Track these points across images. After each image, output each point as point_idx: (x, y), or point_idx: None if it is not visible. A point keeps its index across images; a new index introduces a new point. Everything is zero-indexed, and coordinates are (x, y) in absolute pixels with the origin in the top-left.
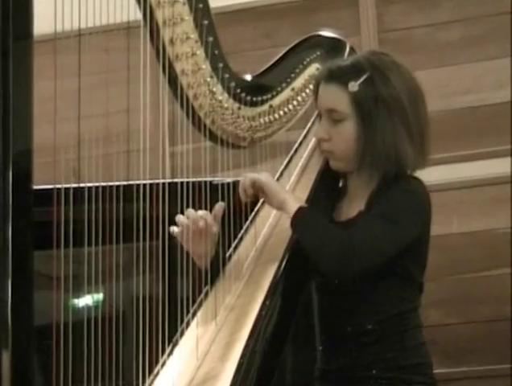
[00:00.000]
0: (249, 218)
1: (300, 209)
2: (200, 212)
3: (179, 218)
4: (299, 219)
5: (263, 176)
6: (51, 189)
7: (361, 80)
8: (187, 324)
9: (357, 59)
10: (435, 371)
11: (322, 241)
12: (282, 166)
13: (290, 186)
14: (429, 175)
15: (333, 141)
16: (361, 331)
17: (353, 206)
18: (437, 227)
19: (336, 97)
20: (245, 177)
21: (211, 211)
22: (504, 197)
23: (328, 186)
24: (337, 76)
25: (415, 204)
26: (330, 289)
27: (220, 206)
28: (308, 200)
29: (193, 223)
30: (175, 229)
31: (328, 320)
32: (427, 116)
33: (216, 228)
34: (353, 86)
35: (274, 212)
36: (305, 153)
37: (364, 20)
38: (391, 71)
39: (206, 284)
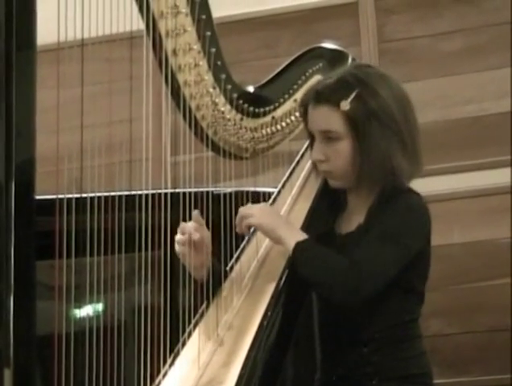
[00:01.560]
0: (252, 228)
1: (298, 245)
2: (190, 224)
3: (177, 237)
4: (298, 256)
5: (254, 218)
6: (54, 199)
7: (351, 97)
8: (189, 334)
9: (343, 76)
10: (436, 381)
11: (327, 274)
12: (285, 177)
13: (292, 198)
14: (430, 185)
15: (331, 161)
16: (361, 341)
17: (352, 219)
18: (438, 237)
19: (330, 118)
20: (239, 214)
21: (212, 220)
22: (506, 207)
23: (330, 197)
24: (326, 97)
25: (416, 220)
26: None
27: (195, 214)
28: (310, 212)
29: (188, 236)
30: (178, 249)
31: (328, 330)
32: (416, 123)
33: (207, 237)
34: (345, 105)
35: None
36: (307, 163)
37: (364, 30)
38: (378, 83)
39: (207, 295)
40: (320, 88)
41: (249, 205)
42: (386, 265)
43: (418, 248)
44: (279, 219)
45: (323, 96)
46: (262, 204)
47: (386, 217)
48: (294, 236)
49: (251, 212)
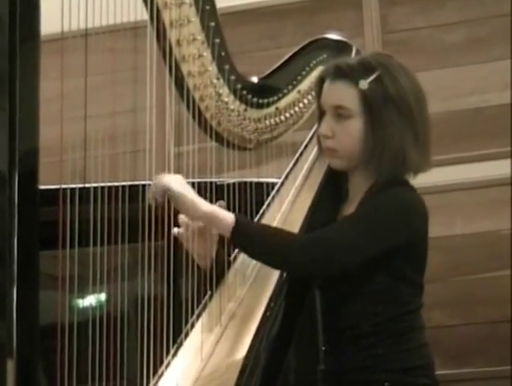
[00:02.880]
0: (255, 218)
1: (238, 222)
2: None
3: (181, 218)
4: (238, 232)
5: (175, 184)
6: (57, 189)
7: (371, 78)
8: (192, 325)
9: (365, 57)
10: (438, 372)
11: (266, 248)
12: (288, 168)
13: (295, 189)
14: (433, 177)
15: (337, 138)
16: (360, 334)
17: (351, 210)
18: (441, 228)
19: (345, 94)
20: (157, 181)
21: None
22: (508, 198)
23: (333, 188)
24: (346, 73)
25: (396, 214)
26: (329, 291)
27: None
28: (313, 203)
29: (193, 222)
30: (176, 231)
31: (329, 322)
32: (429, 118)
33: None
34: (364, 84)
35: (279, 214)
36: (311, 155)
37: (367, 21)
38: (398, 72)
39: (210, 285)
40: (341, 64)
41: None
42: (356, 243)
43: (399, 239)
44: (190, 189)
45: (342, 72)
46: (175, 176)
47: (369, 202)
48: (224, 213)
49: (163, 178)
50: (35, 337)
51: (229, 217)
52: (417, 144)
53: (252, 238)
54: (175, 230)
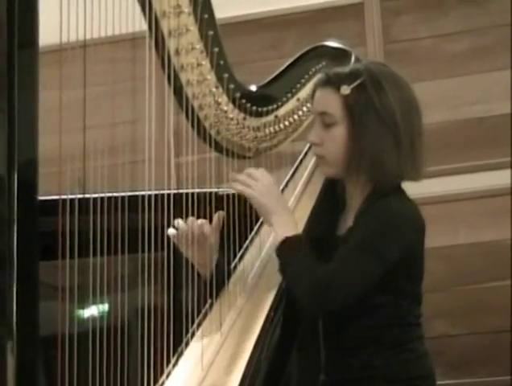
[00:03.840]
0: (255, 228)
1: (284, 242)
2: (199, 221)
3: (177, 222)
4: (281, 253)
5: (254, 192)
6: (57, 199)
7: (354, 84)
8: (193, 335)
9: (356, 66)
10: (440, 382)
11: (298, 279)
12: (288, 177)
13: (295, 197)
14: (436, 186)
15: (325, 145)
16: (360, 344)
17: (347, 220)
18: (444, 237)
19: (329, 100)
20: (245, 174)
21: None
22: (509, 208)
23: (331, 197)
24: (331, 81)
25: (393, 229)
26: None
27: (219, 215)
28: (312, 212)
29: (190, 229)
30: (171, 231)
31: (329, 332)
32: (421, 129)
33: (214, 238)
34: (345, 89)
35: None
36: (310, 163)
37: (370, 31)
38: (387, 80)
39: (210, 294)
40: (331, 73)
41: (260, 172)
42: (357, 278)
43: (396, 255)
44: (278, 206)
45: (330, 80)
46: (269, 182)
47: (364, 225)
48: (284, 228)
49: (254, 184)
50: (36, 346)
51: (282, 235)
52: (399, 151)
53: (288, 263)
54: (169, 231)
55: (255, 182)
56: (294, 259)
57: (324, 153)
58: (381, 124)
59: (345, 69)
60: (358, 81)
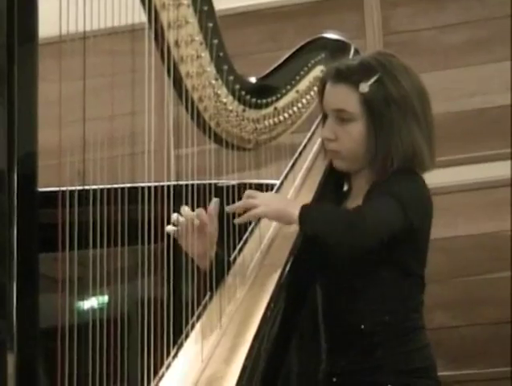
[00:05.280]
0: (254, 222)
1: (302, 208)
2: (196, 211)
3: (175, 217)
4: (304, 216)
5: (260, 208)
6: (56, 191)
7: (372, 80)
8: (192, 326)
9: (366, 59)
10: (441, 373)
11: (332, 223)
12: (287, 169)
13: (295, 189)
14: (435, 177)
15: (340, 140)
16: (363, 334)
17: (354, 205)
18: (443, 229)
19: (346, 97)
20: (242, 205)
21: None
22: (509, 200)
23: (333, 188)
24: (346, 76)
25: (419, 193)
26: (332, 290)
27: (214, 203)
28: (313, 203)
29: (189, 222)
30: (170, 228)
31: (331, 321)
32: (433, 119)
33: (212, 227)
34: (364, 87)
35: None
36: (310, 155)
37: (369, 23)
38: (400, 72)
39: (210, 286)
40: (341, 67)
41: (251, 193)
42: (390, 215)
43: (418, 219)
44: (284, 201)
45: (342, 75)
46: (264, 193)
47: (390, 182)
48: (297, 206)
49: (256, 203)
50: (36, 339)
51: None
52: (427, 142)
53: (316, 220)
54: (168, 228)
55: (255, 201)
56: (320, 213)
57: (339, 148)
58: (404, 117)
59: (356, 62)
60: (375, 77)
